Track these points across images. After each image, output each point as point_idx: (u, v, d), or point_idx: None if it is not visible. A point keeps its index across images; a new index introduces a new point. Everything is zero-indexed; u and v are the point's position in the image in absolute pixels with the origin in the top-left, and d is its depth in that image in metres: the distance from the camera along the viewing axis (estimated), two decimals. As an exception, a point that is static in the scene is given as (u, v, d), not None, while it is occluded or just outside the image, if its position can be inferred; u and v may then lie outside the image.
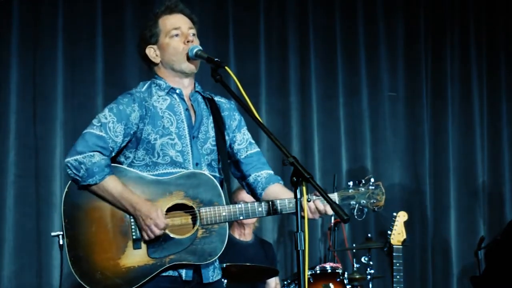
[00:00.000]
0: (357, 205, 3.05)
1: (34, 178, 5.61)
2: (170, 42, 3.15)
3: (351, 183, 3.08)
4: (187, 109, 3.15)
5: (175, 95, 3.16)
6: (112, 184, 3.00)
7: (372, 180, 3.08)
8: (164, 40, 3.16)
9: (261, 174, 3.23)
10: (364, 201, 3.05)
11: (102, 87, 5.80)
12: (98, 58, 5.83)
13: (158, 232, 2.97)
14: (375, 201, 3.07)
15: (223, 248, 3.04)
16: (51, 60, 5.72)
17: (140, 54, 3.24)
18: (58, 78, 5.72)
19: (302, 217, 2.70)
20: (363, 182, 3.08)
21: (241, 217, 3.03)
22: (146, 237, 2.98)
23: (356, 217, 3.07)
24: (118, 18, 5.94)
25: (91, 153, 2.99)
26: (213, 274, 3.14)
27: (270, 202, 3.04)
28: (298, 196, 2.71)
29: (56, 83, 5.71)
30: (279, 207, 3.03)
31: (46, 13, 5.76)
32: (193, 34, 3.18)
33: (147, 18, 3.24)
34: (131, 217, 3.01)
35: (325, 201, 2.93)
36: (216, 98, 3.29)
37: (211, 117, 3.20)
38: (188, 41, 3.14)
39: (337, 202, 3.01)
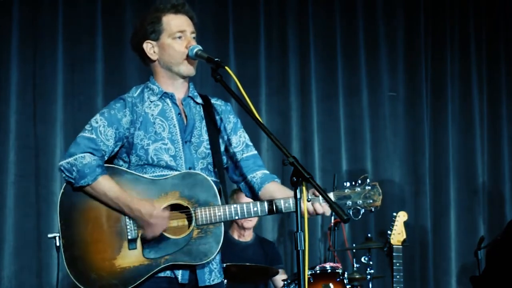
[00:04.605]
0: (353, 205, 3.03)
1: (34, 178, 5.62)
2: (172, 43, 3.11)
3: (347, 183, 3.07)
4: (179, 114, 3.13)
5: (167, 100, 3.14)
6: (106, 185, 2.99)
7: (368, 180, 3.06)
8: (166, 40, 3.12)
9: (256, 174, 3.20)
10: (360, 201, 3.03)
11: (102, 87, 5.80)
12: (98, 58, 5.83)
13: (164, 227, 2.96)
14: (371, 201, 3.04)
15: (219, 249, 3.02)
16: (51, 60, 5.72)
17: (135, 45, 3.19)
18: (58, 78, 5.72)
19: (302, 217, 2.69)
20: (359, 182, 3.06)
21: (237, 217, 3.02)
22: (151, 236, 2.97)
23: (352, 216, 3.06)
24: (118, 18, 5.94)
25: (82, 155, 2.99)
26: (209, 277, 3.11)
27: (266, 202, 3.02)
28: (298, 196, 2.70)
29: (56, 83, 5.72)
30: (274, 207, 3.01)
31: (46, 13, 5.77)
32: (194, 38, 3.16)
33: (148, 11, 3.18)
34: (127, 217, 3.00)
35: (322, 201, 2.93)
36: (213, 100, 3.26)
37: (204, 121, 3.17)
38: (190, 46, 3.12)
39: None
